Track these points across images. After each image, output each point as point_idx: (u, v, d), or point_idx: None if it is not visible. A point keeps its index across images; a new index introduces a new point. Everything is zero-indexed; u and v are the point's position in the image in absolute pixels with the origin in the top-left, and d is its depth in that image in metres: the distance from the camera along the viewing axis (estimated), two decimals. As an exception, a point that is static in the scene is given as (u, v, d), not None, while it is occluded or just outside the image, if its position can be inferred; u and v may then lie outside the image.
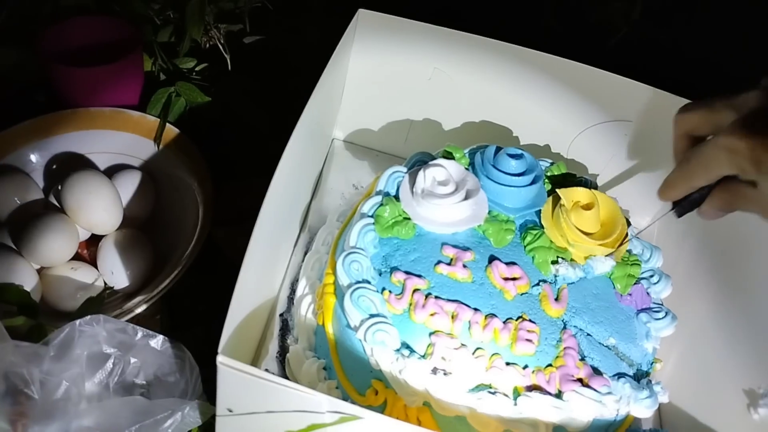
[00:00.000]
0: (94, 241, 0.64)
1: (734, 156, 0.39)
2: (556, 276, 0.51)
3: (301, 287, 0.57)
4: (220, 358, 0.36)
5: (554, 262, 0.51)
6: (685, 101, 0.58)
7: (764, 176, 0.38)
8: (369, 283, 0.48)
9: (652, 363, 0.51)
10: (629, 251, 0.55)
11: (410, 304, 0.48)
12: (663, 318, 0.52)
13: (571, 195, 0.54)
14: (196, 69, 0.74)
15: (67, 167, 0.64)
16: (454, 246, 0.51)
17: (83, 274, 0.61)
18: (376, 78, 0.67)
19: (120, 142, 0.68)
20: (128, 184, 0.65)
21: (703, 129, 0.42)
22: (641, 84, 0.59)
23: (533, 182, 0.55)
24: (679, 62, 0.74)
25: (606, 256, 0.52)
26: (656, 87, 0.59)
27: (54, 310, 0.60)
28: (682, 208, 0.45)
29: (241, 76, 0.74)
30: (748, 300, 0.51)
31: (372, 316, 0.46)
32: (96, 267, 0.62)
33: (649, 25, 0.74)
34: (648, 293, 0.53)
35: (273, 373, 0.52)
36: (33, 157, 0.66)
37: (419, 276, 0.49)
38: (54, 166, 0.67)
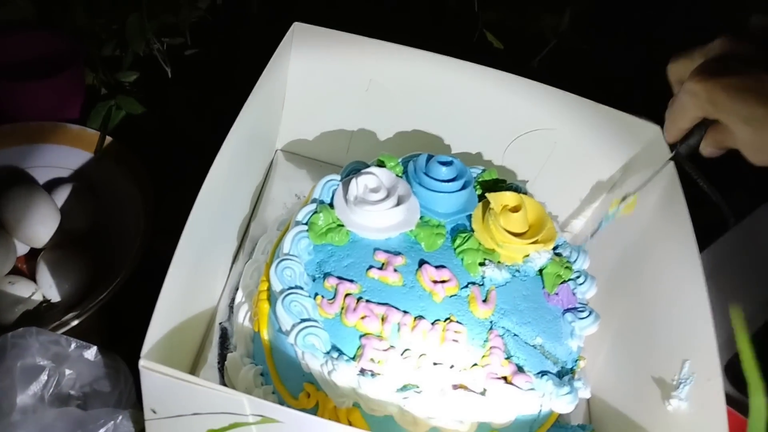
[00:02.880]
0: (34, 255, 0.64)
1: (696, 99, 0.43)
2: (483, 277, 0.53)
3: (239, 295, 0.57)
4: (143, 362, 0.37)
5: (481, 264, 0.53)
6: (608, 109, 0.61)
7: (723, 115, 0.42)
8: (301, 288, 0.50)
9: (577, 360, 0.53)
10: (560, 255, 0.57)
11: (342, 308, 0.49)
12: (587, 317, 0.54)
13: (500, 199, 0.56)
14: (138, 82, 0.74)
15: (5, 182, 0.64)
16: (386, 251, 0.53)
17: (21, 287, 0.61)
18: (317, 89, 0.68)
19: (60, 155, 0.68)
20: (68, 198, 0.65)
21: (687, 76, 0.46)
22: (567, 93, 0.62)
23: (463, 188, 0.56)
24: (603, 71, 0.77)
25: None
26: (582, 95, 0.62)
27: (-9, 325, 0.60)
28: (684, 148, 0.51)
29: (181, 88, 0.75)
30: (659, 298, 0.54)
31: (303, 320, 0.48)
32: (35, 281, 0.62)
33: (575, 37, 0.78)
34: (574, 293, 0.55)
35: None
36: (-29, 173, 0.66)
37: (351, 281, 0.51)
38: (-8, 182, 0.67)
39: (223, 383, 0.54)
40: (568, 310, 0.54)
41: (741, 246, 0.65)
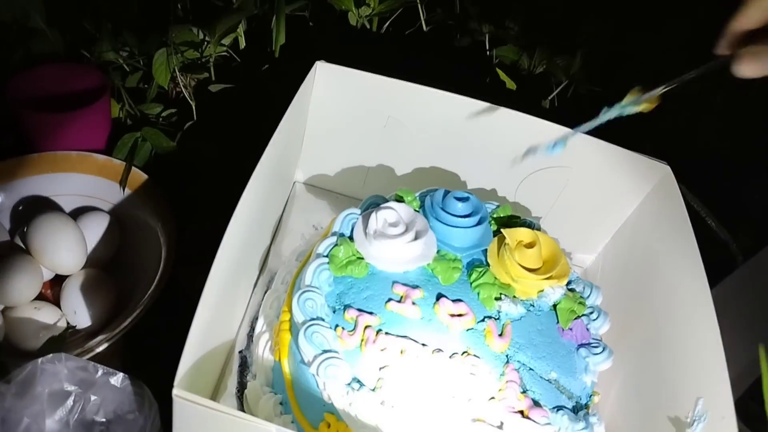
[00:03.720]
0: (58, 281, 0.66)
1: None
2: (499, 312, 0.54)
3: (260, 325, 0.59)
4: (176, 392, 0.38)
5: (497, 299, 0.55)
6: (619, 148, 0.63)
7: None
8: (323, 320, 0.51)
9: (591, 396, 0.54)
10: (573, 290, 0.59)
11: (362, 340, 0.50)
12: (601, 353, 0.55)
13: (515, 234, 0.57)
14: (163, 115, 0.77)
15: (33, 209, 0.66)
16: (404, 284, 0.54)
17: (46, 313, 0.62)
18: (336, 125, 0.70)
19: (86, 184, 0.70)
20: (93, 226, 0.67)
21: None
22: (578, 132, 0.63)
23: (479, 223, 0.58)
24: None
25: None
26: (593, 135, 0.64)
27: (17, 349, 0.61)
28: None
29: (206, 122, 0.77)
30: (671, 336, 0.55)
31: (324, 351, 0.49)
32: (59, 307, 0.64)
33: (587, 78, 0.80)
34: (588, 329, 0.57)
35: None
36: (0, 199, 0.68)
37: (371, 313, 0.52)
38: (20, 208, 0.69)
39: (242, 411, 0.55)
40: (582, 345, 0.55)
41: (750, 284, 0.66)
